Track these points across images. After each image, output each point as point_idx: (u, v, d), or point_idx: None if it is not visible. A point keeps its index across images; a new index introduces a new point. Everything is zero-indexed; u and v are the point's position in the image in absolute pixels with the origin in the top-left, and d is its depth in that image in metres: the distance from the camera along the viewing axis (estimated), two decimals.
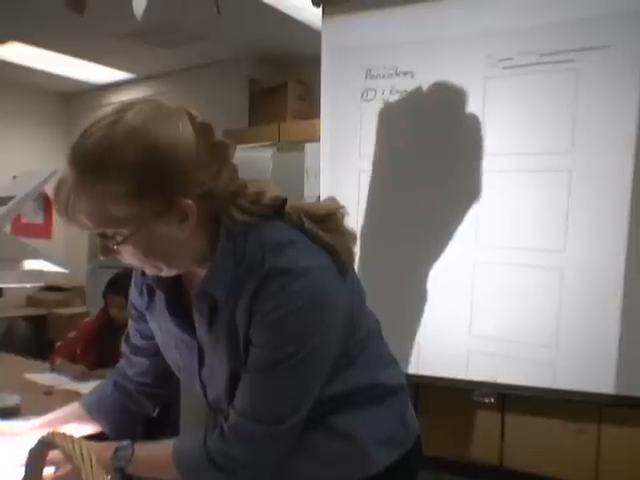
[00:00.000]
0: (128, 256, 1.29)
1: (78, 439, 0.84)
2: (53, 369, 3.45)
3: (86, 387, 2.78)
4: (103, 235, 1.25)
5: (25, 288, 7.11)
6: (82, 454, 0.79)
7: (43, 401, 2.77)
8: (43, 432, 1.47)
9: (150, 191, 1.20)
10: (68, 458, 0.81)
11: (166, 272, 1.33)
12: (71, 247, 6.97)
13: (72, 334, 3.78)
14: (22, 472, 1.07)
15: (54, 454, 1.07)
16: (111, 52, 6.21)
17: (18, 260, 1.46)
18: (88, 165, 1.19)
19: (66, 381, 3.21)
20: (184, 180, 1.22)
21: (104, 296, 3.69)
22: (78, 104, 7.94)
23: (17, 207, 1.43)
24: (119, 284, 3.59)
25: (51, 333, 6.79)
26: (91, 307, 5.97)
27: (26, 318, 7.20)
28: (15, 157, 7.40)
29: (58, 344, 3.73)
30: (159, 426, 1.79)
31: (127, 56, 6.32)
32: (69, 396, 2.75)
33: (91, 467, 0.77)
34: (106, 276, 3.77)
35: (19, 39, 5.88)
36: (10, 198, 1.48)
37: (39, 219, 7.34)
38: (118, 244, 1.25)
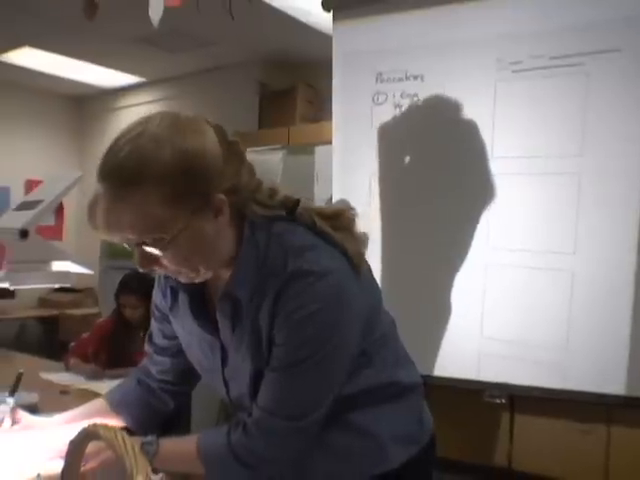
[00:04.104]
0: (168, 263, 1.31)
1: (120, 430, 0.88)
2: (68, 369, 3.47)
3: (101, 386, 2.82)
4: (143, 244, 1.28)
5: (37, 289, 7.16)
6: (125, 444, 0.83)
7: (60, 400, 2.77)
8: (71, 426, 1.54)
9: (187, 191, 1.24)
10: (111, 448, 0.85)
11: (202, 274, 1.36)
12: (83, 249, 7.00)
13: (86, 334, 3.80)
14: (61, 463, 1.11)
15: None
16: (122, 56, 6.26)
17: (46, 261, 1.50)
18: (124, 177, 1.22)
19: (81, 380, 3.23)
20: (214, 176, 1.26)
21: (116, 297, 3.71)
22: (89, 107, 8.01)
23: (45, 210, 1.47)
24: (130, 284, 3.63)
25: (63, 334, 6.82)
26: (103, 308, 6.01)
27: (38, 319, 7.26)
28: (27, 160, 7.47)
29: (72, 344, 3.74)
30: (170, 425, 1.82)
31: (138, 60, 6.37)
32: (85, 395, 2.78)
33: (134, 456, 0.81)
34: (117, 277, 3.80)
35: (31, 44, 5.94)
36: (38, 202, 1.52)
37: (50, 221, 7.36)
38: (162, 248, 1.27)
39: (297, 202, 1.42)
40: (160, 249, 1.28)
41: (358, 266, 1.38)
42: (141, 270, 1.33)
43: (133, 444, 0.84)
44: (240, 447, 1.36)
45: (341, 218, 1.42)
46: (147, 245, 1.28)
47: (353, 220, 1.44)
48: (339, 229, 1.40)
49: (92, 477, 1.34)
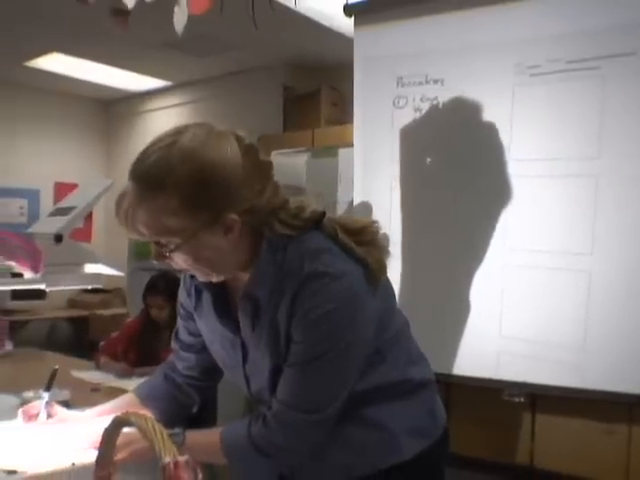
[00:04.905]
0: (180, 262, 1.42)
1: (150, 417, 0.96)
2: (98, 367, 3.55)
3: (130, 384, 2.87)
4: (158, 243, 1.39)
5: (67, 290, 7.27)
6: (154, 429, 0.92)
7: (91, 397, 2.84)
8: (102, 418, 1.63)
9: (200, 206, 1.33)
10: (142, 433, 0.93)
11: (214, 277, 1.47)
12: (111, 250, 7.09)
13: (115, 334, 3.88)
14: (94, 454, 1.20)
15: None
16: (149, 61, 6.34)
17: (79, 264, 1.60)
18: (148, 183, 1.33)
19: (111, 378, 3.31)
20: (230, 197, 1.35)
21: (144, 298, 3.80)
22: (116, 111, 8.09)
23: (79, 216, 1.57)
24: (157, 286, 3.72)
25: (92, 333, 6.93)
26: (131, 308, 6.11)
27: (68, 319, 7.37)
28: (56, 163, 7.58)
29: (102, 343, 3.82)
30: (197, 419, 1.92)
31: (164, 64, 6.44)
32: (114, 392, 2.82)
33: (163, 440, 0.90)
34: (145, 278, 3.89)
35: (60, 50, 6.04)
36: (72, 208, 1.62)
37: (79, 223, 7.44)
38: (170, 251, 1.38)
39: (323, 214, 1.49)
40: (169, 251, 1.38)
41: (377, 275, 1.45)
42: (155, 262, 1.44)
43: (162, 429, 0.92)
44: (260, 438, 1.45)
45: (364, 233, 1.49)
46: (159, 244, 1.39)
47: (377, 232, 1.51)
48: (363, 244, 1.46)
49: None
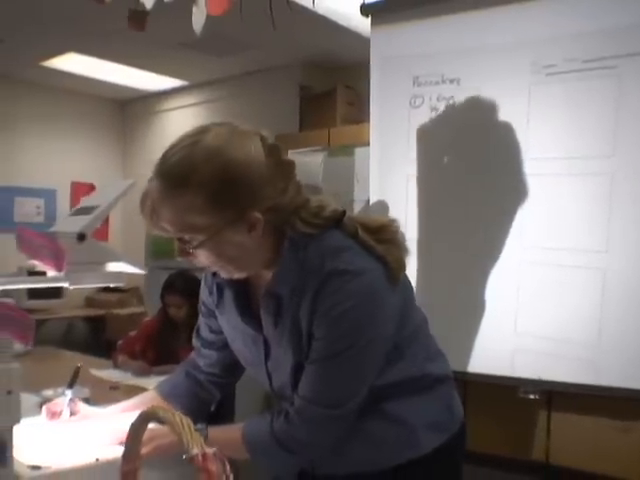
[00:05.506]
0: (203, 259, 1.44)
1: (177, 412, 0.98)
2: (116, 366, 3.58)
3: (149, 382, 2.90)
4: (181, 239, 1.41)
5: (84, 289, 7.28)
6: (182, 422, 0.94)
7: (110, 395, 2.89)
8: (126, 415, 1.65)
9: (224, 204, 1.35)
10: (170, 426, 0.95)
11: (236, 274, 1.49)
12: (128, 249, 7.10)
13: (133, 333, 3.89)
14: (118, 449, 1.22)
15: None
16: (166, 61, 6.35)
17: (101, 263, 1.63)
18: (171, 181, 1.36)
19: (130, 377, 3.34)
20: (254, 195, 1.37)
21: (161, 297, 3.81)
22: (133, 110, 8.11)
23: (101, 215, 1.59)
24: (175, 284, 3.73)
25: (109, 332, 6.94)
26: (148, 307, 6.14)
27: (85, 318, 7.39)
28: (72, 162, 7.62)
29: (120, 342, 3.83)
30: (214, 415, 1.94)
31: (180, 64, 6.46)
32: (133, 390, 2.84)
33: (190, 433, 0.92)
34: (163, 277, 3.90)
35: (77, 50, 6.07)
36: (94, 208, 1.65)
37: (100, 223, 7.45)
38: (194, 248, 1.40)
39: (343, 214, 1.51)
40: (193, 247, 1.40)
41: (396, 272, 1.47)
42: (179, 258, 1.46)
43: (189, 422, 0.94)
44: (282, 434, 1.47)
45: (384, 232, 1.51)
46: (183, 241, 1.41)
47: (396, 231, 1.53)
48: (382, 242, 1.48)
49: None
